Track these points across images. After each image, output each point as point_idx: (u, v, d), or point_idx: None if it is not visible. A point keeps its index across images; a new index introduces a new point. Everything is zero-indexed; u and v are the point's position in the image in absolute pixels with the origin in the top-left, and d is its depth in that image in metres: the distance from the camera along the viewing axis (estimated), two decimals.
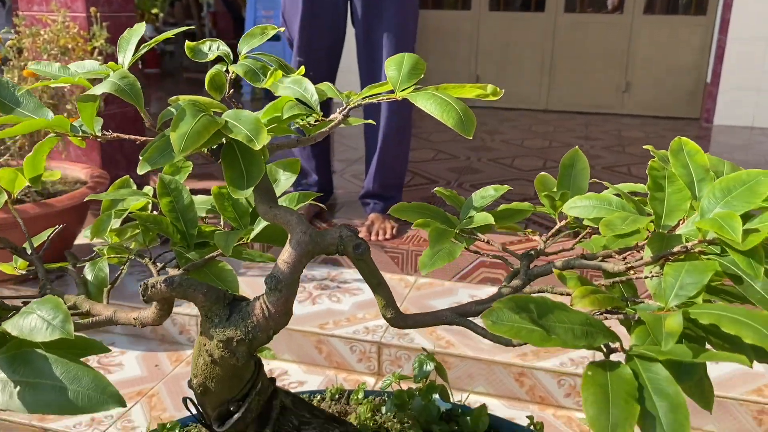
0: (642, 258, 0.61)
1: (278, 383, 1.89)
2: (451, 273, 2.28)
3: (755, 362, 1.61)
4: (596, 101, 5.08)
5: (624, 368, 0.46)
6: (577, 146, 0.83)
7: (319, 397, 1.05)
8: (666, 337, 0.45)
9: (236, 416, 0.63)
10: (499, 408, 1.77)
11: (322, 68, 2.35)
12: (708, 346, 0.55)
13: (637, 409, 0.43)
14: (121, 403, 0.50)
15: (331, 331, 1.94)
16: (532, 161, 3.49)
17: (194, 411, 0.66)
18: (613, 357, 0.51)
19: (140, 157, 0.59)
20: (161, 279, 0.58)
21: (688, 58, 4.81)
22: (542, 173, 0.84)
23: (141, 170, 0.57)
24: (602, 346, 0.51)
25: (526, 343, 0.57)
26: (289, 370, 1.95)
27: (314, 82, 2.55)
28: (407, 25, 2.30)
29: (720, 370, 1.76)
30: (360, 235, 2.39)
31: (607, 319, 0.55)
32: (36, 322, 0.52)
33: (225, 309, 0.60)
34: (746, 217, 0.57)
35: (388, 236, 2.35)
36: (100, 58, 2.29)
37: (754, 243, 0.49)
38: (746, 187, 0.56)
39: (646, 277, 0.58)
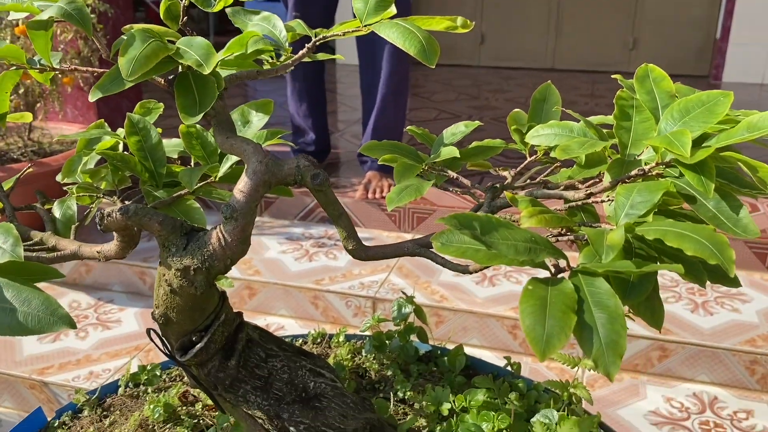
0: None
1: None
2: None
3: (749, 313, 1.59)
4: (603, 59, 4.99)
5: (566, 283, 0.46)
6: (549, 81, 0.82)
7: (301, 340, 1.06)
8: (607, 250, 0.45)
9: (198, 346, 0.63)
10: (493, 360, 1.78)
11: (317, 25, 2.33)
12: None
13: (573, 320, 0.43)
14: (72, 324, 0.50)
15: (327, 287, 1.95)
16: None
17: (158, 342, 0.66)
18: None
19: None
20: (117, 208, 0.58)
21: (698, 12, 4.71)
22: (515, 110, 0.83)
23: (92, 97, 0.56)
24: (550, 265, 0.51)
25: (480, 269, 0.57)
26: (286, 325, 1.96)
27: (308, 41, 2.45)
28: None
29: (714, 321, 1.76)
30: (357, 194, 2.39)
31: (558, 241, 0.55)
32: None
33: (182, 238, 0.60)
34: (704, 139, 0.56)
35: (385, 194, 2.35)
36: (93, 15, 2.27)
37: (701, 157, 0.48)
38: (704, 108, 0.55)
39: (603, 202, 0.58)
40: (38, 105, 2.29)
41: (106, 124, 0.89)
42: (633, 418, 1.56)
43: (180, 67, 0.61)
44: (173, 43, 0.61)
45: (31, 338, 1.90)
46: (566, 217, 0.52)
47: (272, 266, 2.07)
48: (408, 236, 2.29)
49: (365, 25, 0.70)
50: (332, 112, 3.67)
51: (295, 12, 2.28)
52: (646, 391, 1.66)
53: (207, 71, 0.55)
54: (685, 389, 1.67)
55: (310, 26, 2.62)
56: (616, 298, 0.44)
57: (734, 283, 0.52)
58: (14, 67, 0.65)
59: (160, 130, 0.82)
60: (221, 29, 6.61)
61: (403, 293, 1.03)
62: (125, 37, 0.58)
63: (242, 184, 0.60)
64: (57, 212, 0.75)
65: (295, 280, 1.98)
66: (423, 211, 2.30)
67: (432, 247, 0.66)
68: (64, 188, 0.80)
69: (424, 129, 0.83)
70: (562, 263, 0.50)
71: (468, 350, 1.85)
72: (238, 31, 0.72)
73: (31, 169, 0.86)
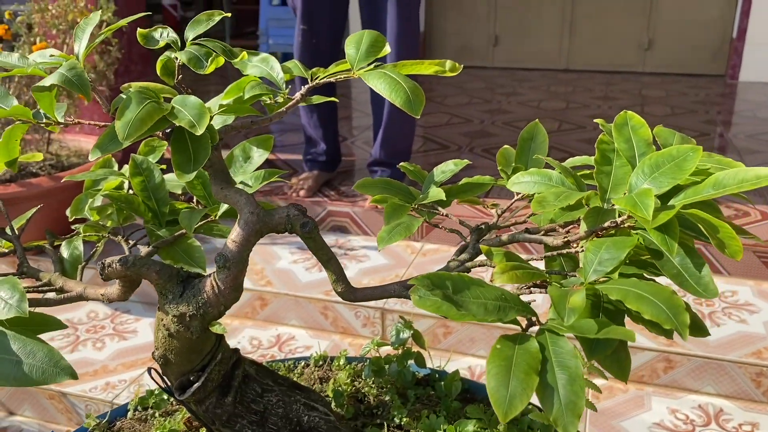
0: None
1: (286, 348, 1.95)
2: (457, 239, 2.30)
3: (756, 324, 1.60)
4: (617, 60, 4.97)
5: (532, 341, 0.49)
6: (537, 119, 0.84)
7: (303, 363, 1.09)
8: (569, 312, 0.47)
9: (195, 386, 0.67)
10: None
11: (326, 36, 2.36)
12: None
13: (535, 381, 0.45)
14: (73, 375, 0.54)
15: (337, 298, 1.98)
16: (547, 124, 3.45)
17: (158, 380, 0.70)
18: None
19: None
20: (117, 259, 0.61)
21: (713, 12, 4.67)
22: (505, 147, 0.85)
23: (92, 156, 0.60)
24: (522, 319, 0.53)
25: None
26: (297, 335, 2.00)
27: (317, 51, 2.59)
28: None
29: (720, 332, 1.77)
30: (367, 203, 2.43)
31: (531, 293, 0.57)
32: None
33: (178, 286, 0.64)
34: (677, 191, 0.59)
35: None
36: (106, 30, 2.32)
37: (663, 221, 0.50)
38: (674, 163, 0.57)
39: (577, 252, 0.60)
40: None
41: (113, 160, 0.93)
42: (637, 429, 1.58)
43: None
44: (170, 100, 0.64)
45: None
46: (538, 272, 0.55)
47: (283, 276, 2.11)
48: (417, 245, 2.32)
49: (357, 69, 0.73)
50: (346, 118, 3.71)
51: (302, 25, 2.32)
52: (651, 403, 1.68)
53: (199, 132, 0.58)
54: (690, 401, 1.68)
55: (318, 38, 2.69)
56: (577, 359, 0.47)
57: (701, 333, 0.55)
58: (20, 122, 0.69)
59: (164, 166, 0.86)
60: (237, 32, 6.68)
61: (402, 318, 1.06)
62: (123, 97, 0.62)
63: (235, 234, 0.63)
64: (65, 252, 0.79)
65: (305, 291, 2.02)
66: (433, 219, 2.32)
67: None
68: (72, 226, 0.83)
69: (416, 165, 0.86)
70: (533, 318, 0.53)
71: (475, 361, 1.88)
72: (254, 33, 0.74)
73: (41, 205, 0.90)
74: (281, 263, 2.20)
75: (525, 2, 5.08)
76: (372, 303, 1.95)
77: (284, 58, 5.46)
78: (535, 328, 0.52)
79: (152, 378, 0.71)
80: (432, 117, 3.66)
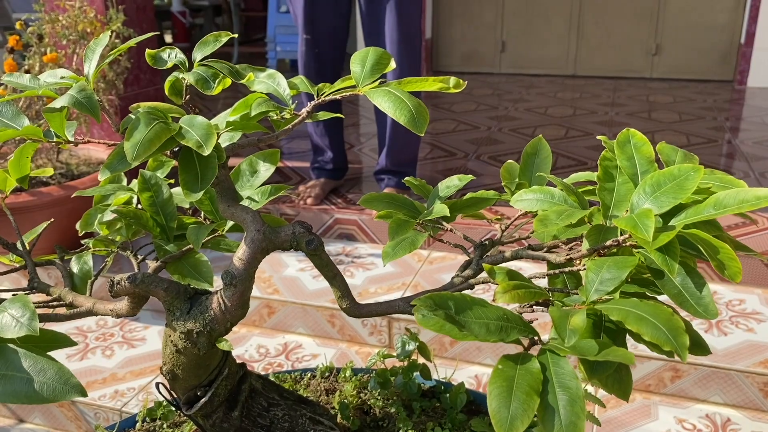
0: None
1: (293, 356, 1.95)
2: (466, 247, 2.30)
3: (764, 333, 1.60)
4: (625, 65, 4.97)
5: (534, 362, 0.49)
6: (540, 135, 0.85)
7: (310, 374, 1.10)
8: (570, 334, 0.48)
9: (203, 401, 0.68)
10: None
11: (328, 45, 2.38)
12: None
13: (536, 403, 0.46)
14: (83, 393, 0.55)
15: None
16: (553, 130, 3.46)
17: (166, 395, 0.71)
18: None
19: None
20: (125, 276, 0.63)
21: (721, 18, 4.66)
22: (509, 161, 0.86)
23: (101, 176, 0.61)
24: (523, 339, 0.54)
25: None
26: (304, 344, 2.01)
27: (320, 60, 2.60)
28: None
29: (728, 341, 1.76)
30: (374, 214, 2.42)
31: (534, 311, 0.58)
32: (7, 320, 0.57)
33: (186, 303, 0.65)
34: (679, 210, 0.59)
35: None
36: (117, 41, 2.34)
37: (663, 242, 0.51)
38: (675, 183, 0.58)
39: (579, 270, 0.61)
40: None
41: (122, 174, 0.94)
42: None
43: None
44: (178, 119, 0.65)
45: (60, 355, 1.97)
46: (540, 291, 0.55)
47: (291, 285, 2.12)
48: (424, 253, 2.33)
49: (362, 87, 0.74)
50: (353, 125, 3.72)
51: (305, 35, 2.34)
52: (658, 412, 1.68)
53: (206, 152, 0.59)
54: (697, 410, 1.68)
55: (320, 46, 2.71)
56: (577, 380, 0.47)
57: (702, 352, 0.55)
58: (31, 141, 0.70)
59: (171, 180, 0.87)
60: (246, 39, 6.71)
61: (407, 330, 1.07)
62: (132, 117, 0.63)
63: (241, 252, 0.64)
64: (74, 267, 0.80)
65: (312, 299, 2.03)
66: (439, 227, 2.33)
67: None
68: (82, 241, 0.85)
69: (421, 180, 0.87)
70: (535, 338, 0.53)
71: (481, 369, 1.88)
72: (262, 40, 0.76)
73: (51, 220, 0.91)
74: (288, 271, 2.21)
75: (532, 8, 5.09)
76: None
77: (292, 64, 5.49)
78: (537, 348, 0.53)
79: (160, 392, 0.72)
80: (439, 124, 3.67)
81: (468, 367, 1.88)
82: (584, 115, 3.82)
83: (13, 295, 0.66)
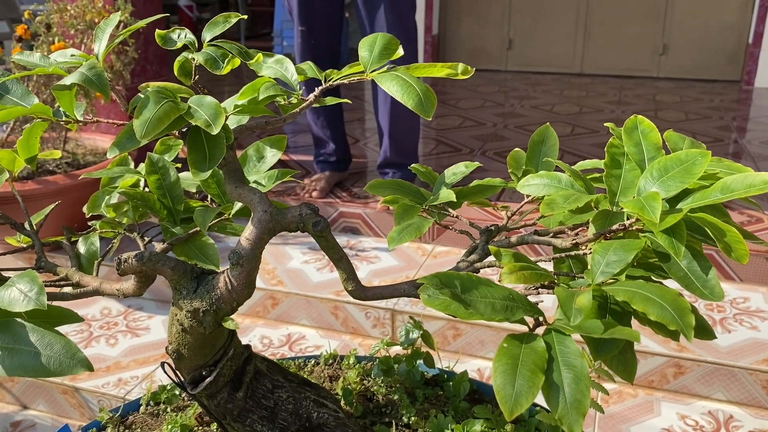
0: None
1: (296, 347, 1.96)
2: (469, 242, 2.30)
3: (767, 330, 1.60)
4: (632, 64, 4.95)
5: (538, 341, 0.49)
6: (548, 123, 0.85)
7: (313, 361, 1.10)
8: (575, 313, 0.48)
9: (208, 380, 0.68)
10: None
11: (324, 35, 2.40)
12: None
13: (541, 380, 0.46)
14: (89, 368, 0.55)
15: (347, 298, 1.99)
16: (559, 128, 3.45)
17: (171, 374, 0.71)
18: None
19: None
20: (133, 254, 0.63)
21: (729, 18, 4.64)
22: (515, 149, 0.86)
23: (110, 154, 0.61)
24: (529, 319, 0.54)
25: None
26: (307, 335, 2.02)
27: (316, 51, 2.61)
28: None
29: (732, 339, 1.76)
30: (378, 205, 2.46)
31: (539, 293, 0.58)
32: (15, 294, 0.58)
33: (192, 282, 0.65)
34: (686, 194, 0.59)
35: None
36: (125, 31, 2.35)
37: (670, 223, 0.51)
38: (682, 168, 0.58)
39: (585, 254, 0.61)
40: None
41: (129, 158, 0.95)
42: None
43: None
44: (186, 99, 0.65)
45: None
46: (546, 273, 0.55)
47: (295, 276, 2.12)
48: (428, 247, 2.33)
49: (370, 72, 0.74)
50: (358, 120, 3.72)
51: (300, 27, 2.37)
52: (661, 408, 1.68)
53: (215, 132, 0.59)
54: (700, 407, 1.68)
55: (316, 38, 2.72)
56: (582, 359, 0.47)
57: (708, 336, 0.55)
58: (41, 120, 0.71)
59: (179, 165, 0.87)
60: (252, 34, 6.72)
61: (411, 318, 1.07)
62: (141, 96, 0.63)
63: (248, 232, 0.65)
64: (81, 248, 0.80)
65: (316, 291, 2.03)
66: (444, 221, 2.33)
67: None
68: (89, 223, 0.85)
69: (428, 167, 0.87)
70: (540, 318, 0.53)
71: (484, 363, 1.88)
72: (269, 35, 0.76)
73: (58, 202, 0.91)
74: (293, 263, 2.21)
75: (539, 6, 5.08)
76: (382, 303, 1.96)
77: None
78: (542, 328, 0.53)
79: (165, 372, 0.72)
80: (445, 120, 3.67)
81: (471, 361, 1.88)
82: (590, 113, 3.81)
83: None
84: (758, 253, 2.01)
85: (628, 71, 4.98)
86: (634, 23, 4.89)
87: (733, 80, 4.75)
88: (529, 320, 0.55)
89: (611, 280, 0.54)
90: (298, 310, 2.06)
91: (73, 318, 0.60)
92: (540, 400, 0.62)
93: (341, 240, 2.39)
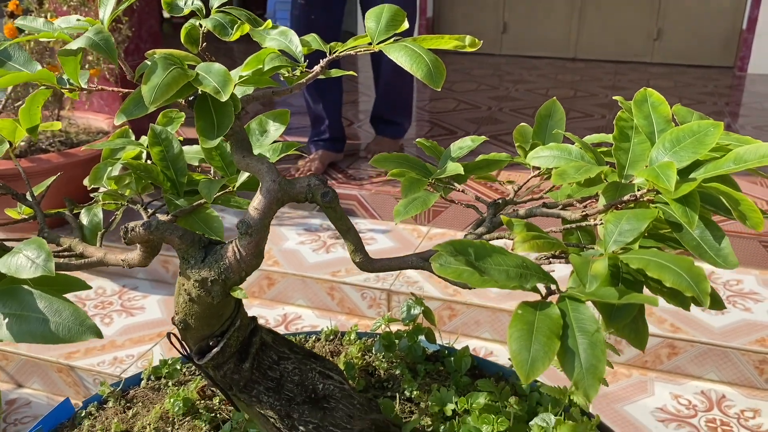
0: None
1: (292, 327, 1.96)
2: (464, 223, 2.31)
3: (760, 312, 1.61)
4: (626, 49, 4.95)
5: (553, 308, 0.49)
6: (554, 97, 0.85)
7: (314, 337, 1.10)
8: (591, 279, 0.48)
9: (215, 350, 0.68)
10: (504, 353, 1.82)
11: (324, 14, 2.38)
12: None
13: (556, 345, 0.46)
14: (98, 334, 0.55)
15: (343, 279, 1.99)
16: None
17: (177, 345, 0.71)
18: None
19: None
20: (140, 223, 0.62)
21: (723, 3, 4.64)
22: (521, 124, 0.86)
23: (117, 121, 0.60)
24: (542, 287, 0.54)
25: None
26: (303, 315, 2.02)
27: (317, 24, 2.61)
28: None
29: (725, 320, 1.78)
30: (361, 153, 2.56)
31: (551, 263, 0.58)
32: (22, 261, 0.57)
33: (200, 251, 0.65)
34: (697, 166, 0.59)
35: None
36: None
37: (685, 192, 0.51)
38: (695, 138, 0.58)
39: (595, 225, 0.61)
40: (65, 95, 2.35)
41: (130, 131, 0.94)
42: (640, 414, 1.59)
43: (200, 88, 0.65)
44: (193, 67, 0.64)
45: None
46: (558, 242, 0.55)
47: (290, 257, 2.12)
48: (424, 229, 2.33)
49: (377, 43, 0.73)
50: (352, 102, 3.70)
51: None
52: (654, 388, 1.69)
53: (224, 98, 0.59)
54: (693, 387, 1.70)
55: (316, 11, 2.71)
56: (597, 324, 0.47)
57: (718, 306, 0.55)
58: (44, 87, 0.70)
59: (181, 138, 0.87)
60: None
61: (413, 294, 1.07)
62: (148, 63, 0.62)
63: (257, 202, 0.64)
64: (84, 219, 0.79)
65: (312, 272, 2.03)
66: (439, 203, 2.33)
67: None
68: (91, 195, 0.84)
69: (433, 141, 0.86)
70: (553, 286, 0.53)
71: (480, 343, 1.89)
72: (262, 17, 0.75)
73: (60, 172, 0.90)
74: (288, 244, 2.21)
75: None
76: (378, 284, 1.96)
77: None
78: (555, 297, 0.53)
79: (171, 343, 0.72)
80: (439, 102, 3.66)
81: (467, 341, 1.88)
82: (585, 97, 3.81)
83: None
84: (751, 237, 2.03)
85: (622, 56, 4.98)
86: (629, 8, 4.88)
87: (727, 66, 4.76)
88: (541, 291, 0.55)
89: (623, 250, 0.54)
90: (294, 290, 2.05)
91: (80, 285, 0.59)
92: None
93: None
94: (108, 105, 2.60)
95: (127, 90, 0.68)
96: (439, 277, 0.64)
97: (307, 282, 2.03)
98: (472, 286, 0.52)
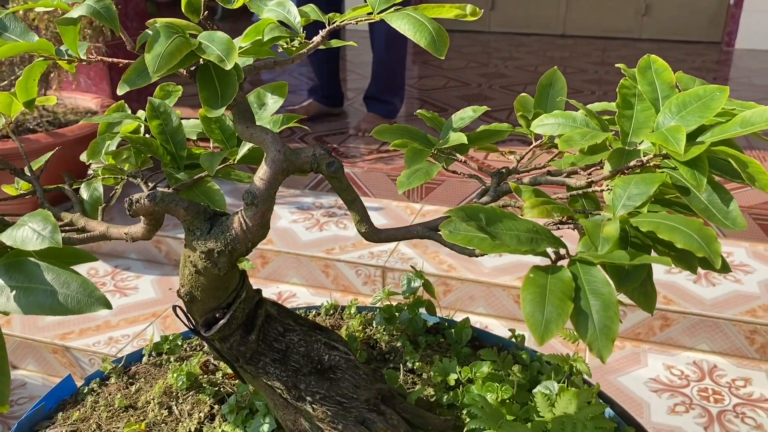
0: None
1: (287, 305, 1.96)
2: (456, 200, 2.31)
3: (751, 283, 1.63)
4: (614, 25, 4.94)
5: (564, 271, 0.50)
6: (555, 67, 0.84)
7: (314, 312, 1.11)
8: (603, 242, 0.48)
9: (221, 322, 0.68)
10: (498, 328, 1.84)
11: None
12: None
13: (570, 307, 0.47)
14: (108, 305, 0.54)
15: (338, 256, 2.00)
16: None
17: (183, 318, 0.71)
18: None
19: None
20: (145, 194, 0.62)
21: None
22: (522, 94, 0.85)
23: (120, 91, 0.60)
24: (551, 252, 0.54)
25: (485, 254, 0.61)
26: (298, 293, 2.02)
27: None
28: None
29: (716, 292, 1.80)
30: (351, 131, 2.60)
31: (559, 228, 0.58)
32: (27, 233, 0.56)
33: (206, 223, 0.64)
34: (702, 131, 0.59)
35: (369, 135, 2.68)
36: None
37: (694, 154, 0.51)
38: (701, 103, 0.58)
39: (602, 191, 0.61)
40: (52, 75, 2.32)
41: (126, 105, 0.93)
42: (633, 385, 1.62)
43: (201, 59, 0.64)
44: (195, 36, 0.64)
45: None
46: (567, 207, 0.55)
47: (284, 235, 2.12)
48: (417, 206, 2.33)
49: (378, 12, 0.72)
50: (342, 80, 3.68)
51: None
52: (647, 359, 1.72)
53: (228, 66, 0.58)
54: (685, 357, 1.72)
55: None
56: (610, 286, 0.48)
57: (724, 269, 0.56)
58: (42, 58, 0.68)
59: (179, 112, 0.86)
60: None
61: (413, 267, 1.07)
62: (150, 32, 0.61)
63: (262, 172, 0.64)
64: (84, 194, 0.79)
65: (306, 250, 2.03)
66: (432, 181, 2.33)
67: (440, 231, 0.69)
68: (90, 170, 0.83)
69: (434, 113, 0.86)
70: (562, 251, 0.54)
71: (474, 318, 1.90)
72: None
73: (56, 148, 0.89)
74: (281, 222, 2.20)
75: None
76: (373, 261, 1.96)
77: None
78: (566, 261, 0.53)
79: (177, 315, 0.71)
80: (429, 80, 3.64)
81: (461, 316, 1.89)
82: (574, 73, 3.81)
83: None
84: (741, 209, 2.04)
85: (610, 32, 4.98)
86: None
87: (714, 41, 4.77)
88: (550, 256, 0.55)
89: (631, 214, 0.54)
90: (288, 268, 2.05)
91: (87, 257, 0.59)
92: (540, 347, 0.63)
93: (329, 200, 2.39)
94: (95, 84, 2.57)
95: (128, 61, 0.67)
96: (447, 245, 0.65)
97: (301, 260, 2.03)
98: (483, 251, 0.52)
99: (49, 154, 0.83)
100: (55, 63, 2.29)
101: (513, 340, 0.99)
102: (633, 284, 0.52)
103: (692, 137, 0.59)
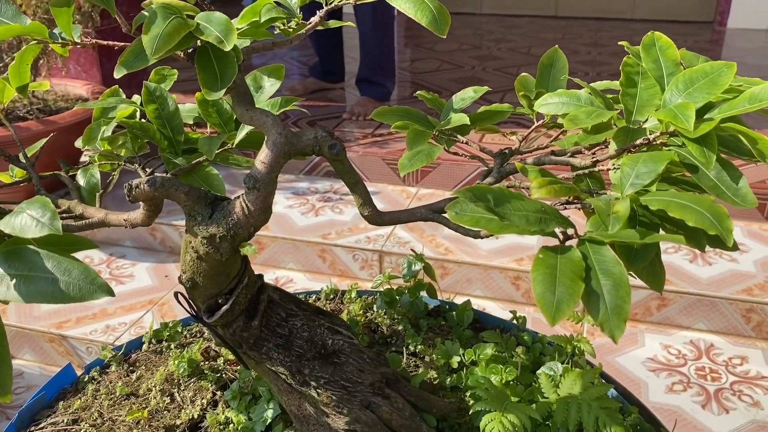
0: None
1: None
2: (452, 184, 2.30)
3: (746, 262, 1.63)
4: (607, 6, 4.92)
5: (574, 251, 0.49)
6: (556, 45, 0.83)
7: (314, 296, 1.10)
8: (613, 221, 0.48)
9: (224, 308, 0.67)
10: (496, 311, 1.84)
11: None
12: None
13: (581, 287, 0.46)
14: (110, 292, 0.53)
15: (334, 241, 1.99)
16: (537, 70, 3.42)
17: (185, 305, 0.70)
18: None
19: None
20: (144, 179, 0.61)
21: None
22: (523, 74, 0.85)
23: (117, 74, 0.58)
24: (559, 233, 0.54)
25: (491, 235, 0.60)
26: (295, 279, 2.01)
27: None
28: None
29: (712, 271, 1.80)
30: (344, 115, 2.63)
31: (566, 209, 0.58)
32: (26, 221, 0.55)
33: (207, 208, 0.63)
34: (708, 108, 0.59)
35: (363, 119, 2.69)
36: None
37: (704, 131, 0.50)
38: (708, 79, 0.57)
39: (608, 170, 0.60)
40: (41, 61, 2.28)
41: (120, 90, 0.91)
42: (631, 364, 1.62)
43: (199, 41, 0.63)
44: (192, 17, 0.62)
45: None
46: (574, 187, 0.55)
47: (280, 221, 2.11)
48: (413, 190, 2.32)
49: None
50: None
51: None
52: (645, 339, 1.72)
53: (228, 48, 0.57)
54: (682, 337, 1.73)
55: None
56: (621, 265, 0.47)
57: (733, 248, 0.55)
58: (35, 42, 0.67)
59: (175, 96, 0.84)
60: None
61: (413, 251, 1.07)
62: (146, 14, 0.60)
63: (263, 156, 0.63)
64: (81, 180, 0.78)
65: (302, 235, 2.02)
66: (426, 165, 2.32)
67: (444, 213, 0.69)
68: (85, 156, 0.82)
69: (434, 94, 0.85)
70: (570, 231, 0.53)
71: (472, 301, 1.90)
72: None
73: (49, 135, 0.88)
74: (277, 208, 2.19)
75: None
76: (370, 246, 1.96)
77: None
78: (574, 241, 0.53)
79: (179, 302, 0.71)
80: (422, 63, 3.62)
81: (459, 299, 1.89)
82: (567, 54, 3.76)
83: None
84: None
85: (603, 13, 4.95)
86: None
87: (707, 21, 4.75)
88: (558, 236, 0.54)
89: (639, 193, 0.53)
90: (285, 254, 2.05)
91: (87, 244, 0.58)
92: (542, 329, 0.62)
93: (324, 185, 2.37)
94: (86, 71, 2.53)
95: (124, 43, 0.66)
96: (451, 227, 0.64)
97: (297, 245, 2.02)
98: (490, 232, 0.51)
99: (45, 140, 0.82)
100: (44, 50, 2.24)
101: (514, 321, 0.99)
102: (642, 263, 0.52)
103: (699, 114, 0.58)
